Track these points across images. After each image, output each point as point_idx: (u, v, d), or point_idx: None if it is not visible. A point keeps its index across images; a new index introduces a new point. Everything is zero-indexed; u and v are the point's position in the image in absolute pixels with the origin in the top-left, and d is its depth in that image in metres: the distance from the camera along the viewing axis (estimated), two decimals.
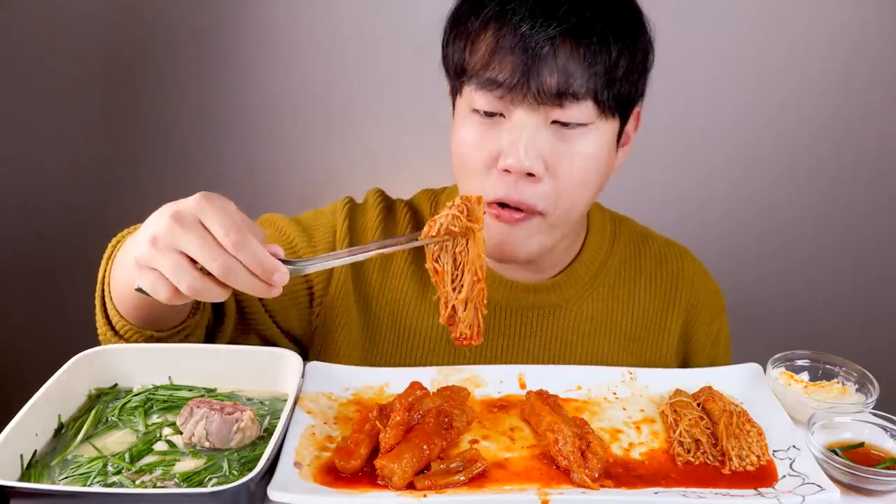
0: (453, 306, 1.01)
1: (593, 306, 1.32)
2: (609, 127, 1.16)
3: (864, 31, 2.12)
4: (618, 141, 1.20)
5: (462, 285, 1.00)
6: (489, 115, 1.13)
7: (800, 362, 1.16)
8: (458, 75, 1.16)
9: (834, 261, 2.36)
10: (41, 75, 2.28)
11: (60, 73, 2.28)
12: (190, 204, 0.90)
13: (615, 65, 1.11)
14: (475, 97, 1.12)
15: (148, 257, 0.90)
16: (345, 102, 2.30)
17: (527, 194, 1.13)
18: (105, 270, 1.14)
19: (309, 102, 2.31)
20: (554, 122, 1.11)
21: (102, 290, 1.12)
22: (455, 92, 1.20)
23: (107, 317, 1.11)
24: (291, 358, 1.06)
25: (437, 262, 1.01)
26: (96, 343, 1.08)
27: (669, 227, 1.48)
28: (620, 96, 1.14)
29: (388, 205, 1.36)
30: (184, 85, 2.30)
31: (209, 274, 0.89)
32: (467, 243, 1.00)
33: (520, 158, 1.10)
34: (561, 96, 1.08)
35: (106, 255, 1.16)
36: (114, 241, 1.17)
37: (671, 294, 1.35)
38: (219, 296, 0.91)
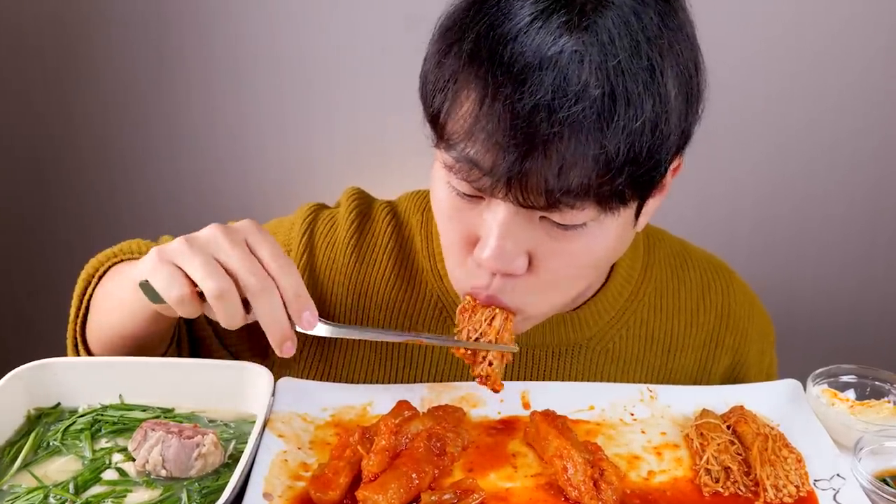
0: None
1: (621, 344, 1.18)
2: (619, 217, 0.93)
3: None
4: (638, 213, 0.98)
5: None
6: (467, 195, 0.93)
7: (845, 378, 1.10)
8: (433, 125, 0.95)
9: (882, 263, 2.25)
10: (38, 70, 2.28)
11: (59, 70, 2.28)
12: (239, 224, 0.91)
13: (633, 159, 0.85)
14: (451, 175, 0.92)
15: (174, 253, 0.86)
16: (325, 82, 2.21)
17: (499, 291, 0.96)
18: (80, 305, 1.10)
19: (285, 82, 2.22)
20: (543, 217, 0.91)
21: (75, 330, 1.09)
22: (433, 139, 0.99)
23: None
24: (260, 373, 1.01)
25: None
26: (43, 355, 1.02)
27: (695, 226, 1.41)
28: (639, 184, 0.89)
29: (365, 210, 1.20)
30: (163, 73, 2.26)
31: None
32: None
33: (498, 259, 0.91)
34: (551, 205, 0.86)
35: (78, 290, 1.11)
36: (84, 275, 1.12)
37: (716, 333, 1.21)
38: (239, 315, 0.88)
